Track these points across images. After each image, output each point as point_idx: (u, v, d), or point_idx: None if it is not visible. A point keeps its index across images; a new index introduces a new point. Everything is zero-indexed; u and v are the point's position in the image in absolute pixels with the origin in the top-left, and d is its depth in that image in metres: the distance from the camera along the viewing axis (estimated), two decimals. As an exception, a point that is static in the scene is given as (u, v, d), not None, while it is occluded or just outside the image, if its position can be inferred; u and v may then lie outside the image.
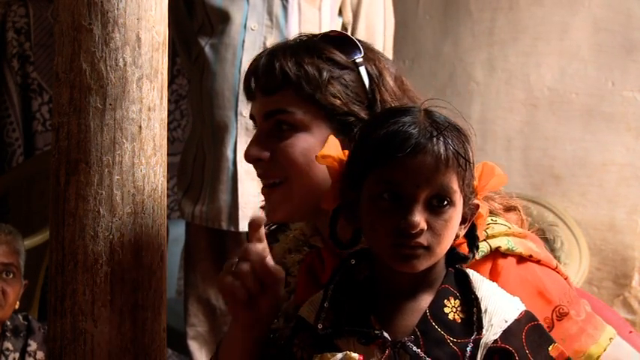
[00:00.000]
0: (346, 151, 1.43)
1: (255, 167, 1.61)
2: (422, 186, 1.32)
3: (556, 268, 1.54)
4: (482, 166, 1.41)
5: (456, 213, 1.35)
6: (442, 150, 1.32)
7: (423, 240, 1.33)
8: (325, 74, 1.54)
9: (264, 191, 1.61)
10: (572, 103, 3.53)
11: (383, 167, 1.34)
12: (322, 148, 1.44)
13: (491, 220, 1.53)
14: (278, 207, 1.59)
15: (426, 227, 1.32)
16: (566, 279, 1.55)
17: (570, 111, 3.54)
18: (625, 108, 3.44)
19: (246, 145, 1.61)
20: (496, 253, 1.50)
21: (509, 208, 1.60)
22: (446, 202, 1.33)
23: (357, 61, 1.57)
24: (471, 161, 1.37)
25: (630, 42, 3.43)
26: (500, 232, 1.52)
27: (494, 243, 1.50)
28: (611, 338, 1.50)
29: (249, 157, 1.60)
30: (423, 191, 1.32)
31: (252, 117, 1.64)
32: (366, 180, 1.36)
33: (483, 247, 1.49)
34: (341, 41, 1.59)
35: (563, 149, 3.55)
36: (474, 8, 3.73)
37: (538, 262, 1.52)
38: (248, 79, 1.61)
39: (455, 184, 1.33)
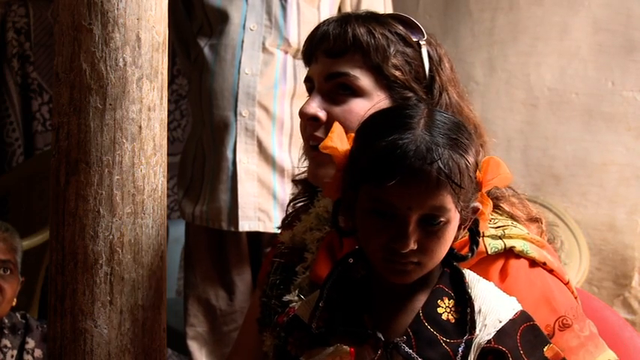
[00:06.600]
0: (351, 135, 1.40)
1: (306, 126, 1.60)
2: (413, 208, 1.30)
3: (567, 283, 1.53)
4: (489, 161, 1.38)
5: (450, 228, 1.33)
6: (435, 174, 1.28)
7: (414, 258, 1.32)
8: (392, 46, 1.57)
9: (310, 152, 1.61)
10: (572, 103, 3.53)
11: (374, 186, 1.31)
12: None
13: (511, 223, 1.53)
14: (325, 167, 1.56)
15: (416, 247, 1.31)
16: (575, 298, 1.53)
17: (570, 111, 3.53)
18: (625, 108, 3.44)
19: (303, 104, 1.60)
20: (509, 253, 1.50)
21: (532, 219, 1.59)
22: (438, 222, 1.31)
23: (421, 42, 1.60)
24: (471, 171, 1.34)
25: (630, 42, 3.43)
26: (517, 234, 1.51)
27: (510, 243, 1.50)
28: None
29: (305, 115, 1.59)
30: (414, 213, 1.30)
31: (308, 79, 1.63)
32: (360, 189, 1.34)
33: (497, 245, 1.49)
34: (407, 21, 1.62)
35: (563, 149, 3.55)
36: (474, 8, 3.73)
37: (550, 271, 1.52)
38: (311, 40, 1.61)
39: (449, 203, 1.30)
